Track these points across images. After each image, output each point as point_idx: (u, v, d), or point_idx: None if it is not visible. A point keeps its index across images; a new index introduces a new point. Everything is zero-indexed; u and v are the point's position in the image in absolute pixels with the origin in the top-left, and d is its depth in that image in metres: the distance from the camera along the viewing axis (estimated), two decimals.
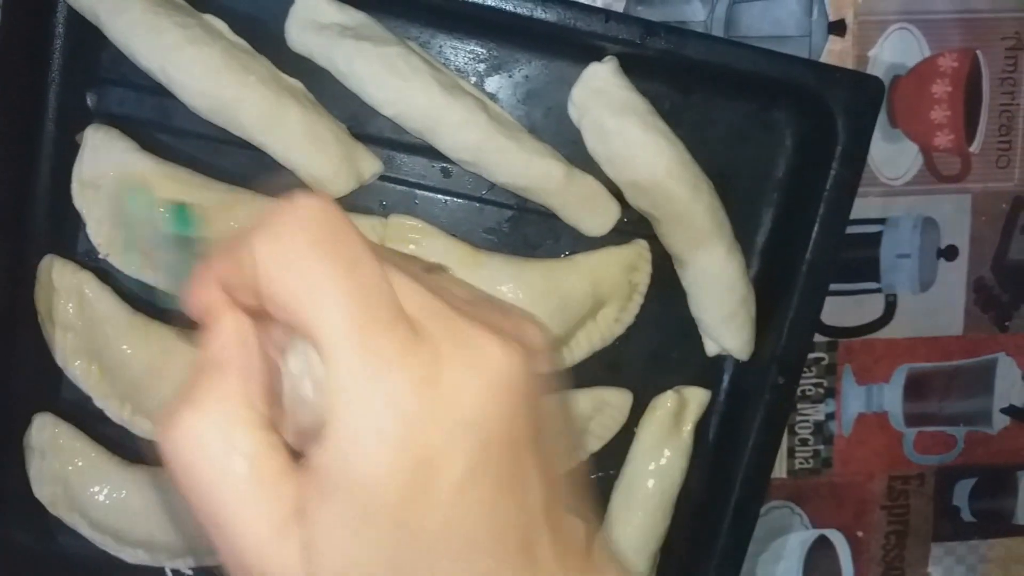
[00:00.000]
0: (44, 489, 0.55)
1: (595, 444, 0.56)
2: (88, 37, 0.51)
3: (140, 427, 0.54)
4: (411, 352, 0.22)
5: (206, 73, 0.49)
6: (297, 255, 0.23)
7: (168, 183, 0.51)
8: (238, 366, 0.24)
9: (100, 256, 0.53)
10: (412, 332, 0.22)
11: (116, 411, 0.54)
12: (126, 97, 0.52)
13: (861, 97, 0.50)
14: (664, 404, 0.55)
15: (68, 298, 0.53)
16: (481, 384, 0.22)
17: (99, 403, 0.54)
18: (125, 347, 0.53)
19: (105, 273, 0.53)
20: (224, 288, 0.25)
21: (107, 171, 0.51)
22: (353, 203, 0.53)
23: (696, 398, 0.56)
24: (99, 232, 0.53)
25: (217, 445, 0.23)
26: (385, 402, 0.22)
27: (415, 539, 0.22)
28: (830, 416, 0.61)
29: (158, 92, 0.51)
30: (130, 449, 0.55)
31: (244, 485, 0.23)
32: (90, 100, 0.53)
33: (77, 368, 0.54)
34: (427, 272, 0.27)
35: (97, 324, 0.53)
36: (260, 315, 0.25)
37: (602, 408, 0.56)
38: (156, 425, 0.24)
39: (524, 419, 0.23)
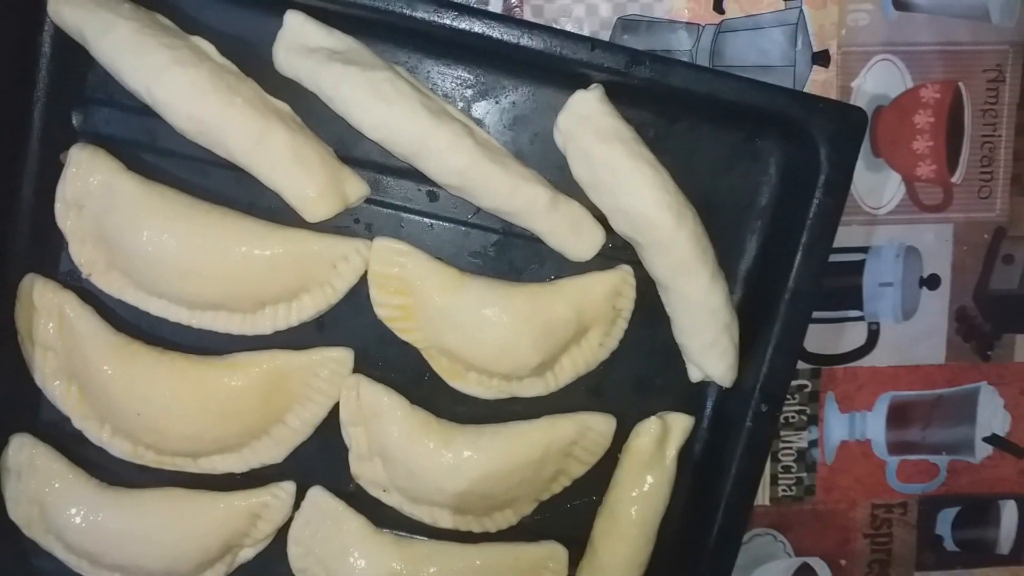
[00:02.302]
0: (20, 510, 0.54)
1: (578, 469, 0.56)
2: (75, 57, 0.51)
3: (119, 449, 0.54)
4: None
5: (192, 95, 0.48)
6: None
7: (153, 204, 0.51)
8: None
9: (82, 276, 0.53)
10: None
11: (95, 433, 0.54)
12: (112, 117, 0.52)
13: (844, 127, 0.50)
14: (648, 430, 0.55)
15: (49, 318, 0.53)
16: None
17: (78, 424, 0.54)
18: (106, 368, 0.52)
19: (87, 293, 0.53)
20: None
21: (91, 191, 0.51)
22: (339, 225, 0.53)
23: (679, 424, 0.56)
24: (81, 252, 0.52)
25: None
26: None
27: None
28: (813, 443, 0.61)
29: (144, 112, 0.50)
30: (108, 471, 0.54)
31: None
32: (76, 120, 0.52)
33: (56, 389, 0.54)
34: None
35: (78, 344, 0.52)
36: None
37: (585, 433, 0.55)
38: None
39: None
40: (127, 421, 0.53)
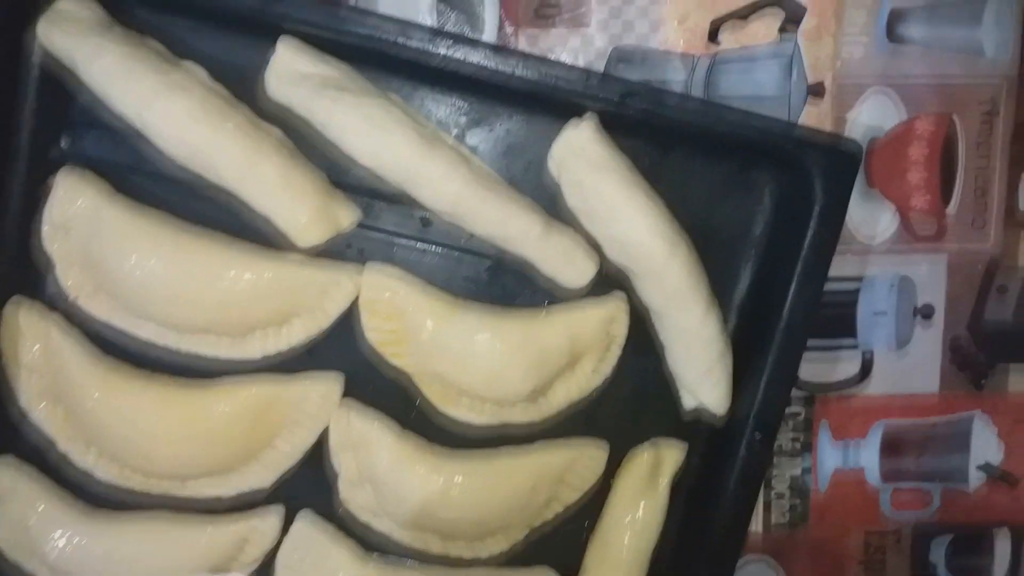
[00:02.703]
0: (3, 533, 0.54)
1: (571, 496, 0.56)
2: (64, 80, 0.50)
3: (105, 472, 0.53)
4: None
5: (183, 120, 0.48)
6: None
7: (142, 227, 0.51)
8: None
9: (69, 299, 0.52)
10: None
11: (80, 456, 0.53)
12: (101, 140, 0.52)
13: (839, 160, 0.50)
14: (641, 457, 0.55)
15: (34, 340, 0.52)
16: None
17: (63, 447, 0.53)
18: (92, 391, 0.52)
19: (73, 316, 0.52)
20: None
21: (78, 214, 0.50)
22: (330, 251, 0.53)
23: (673, 452, 0.55)
24: (68, 275, 0.52)
25: None
26: None
27: None
28: (806, 471, 0.61)
29: (134, 135, 0.50)
30: (94, 495, 0.54)
31: None
32: (64, 142, 0.52)
33: (41, 412, 0.53)
34: None
35: (63, 367, 0.52)
36: None
37: (578, 460, 0.55)
38: None
39: None
40: (113, 444, 0.53)
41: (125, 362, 0.53)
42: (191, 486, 0.54)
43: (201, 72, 0.50)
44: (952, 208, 0.59)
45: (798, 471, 0.60)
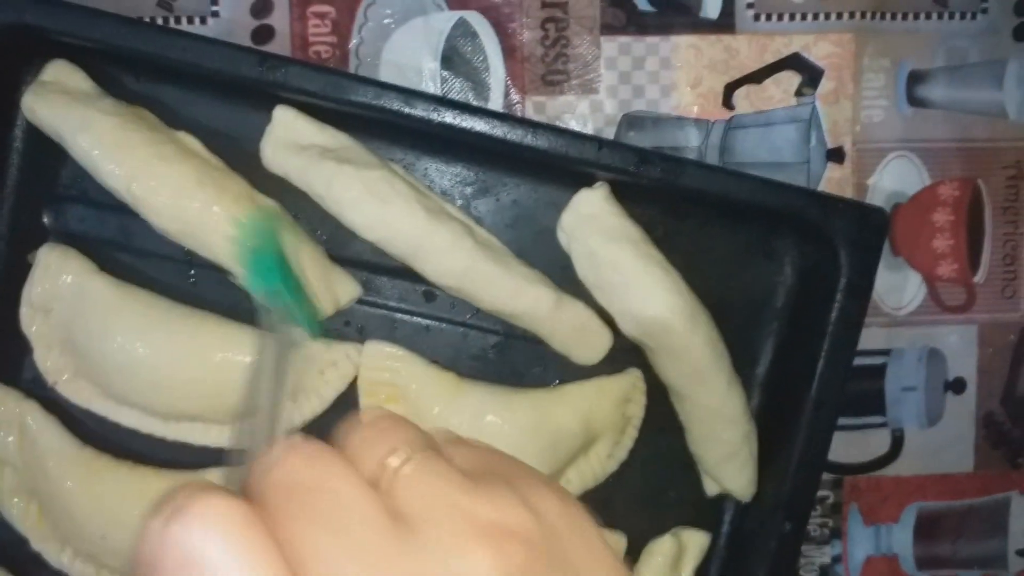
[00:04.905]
0: None
1: None
2: (48, 152, 0.48)
3: (80, 572, 0.49)
4: None
5: (176, 193, 0.46)
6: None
7: (128, 307, 0.48)
8: None
9: (48, 385, 0.49)
10: None
11: (55, 556, 0.49)
12: (86, 215, 0.49)
13: (865, 229, 0.48)
14: (661, 549, 0.51)
15: (9, 430, 0.49)
16: None
17: (36, 546, 0.49)
18: (69, 484, 0.48)
19: (52, 403, 0.49)
20: None
21: (60, 294, 0.48)
22: (328, 328, 0.50)
23: (695, 542, 0.52)
24: (48, 359, 0.49)
25: None
26: None
27: None
28: (836, 559, 0.57)
29: (121, 210, 0.47)
30: None
31: None
32: (47, 218, 0.49)
33: (14, 507, 0.49)
34: (433, 445, 0.25)
35: (39, 459, 0.48)
36: None
37: None
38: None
39: None
40: (90, 544, 0.49)
41: (106, 452, 0.49)
42: None
43: (196, 143, 0.48)
44: (980, 276, 0.56)
45: (827, 559, 0.57)
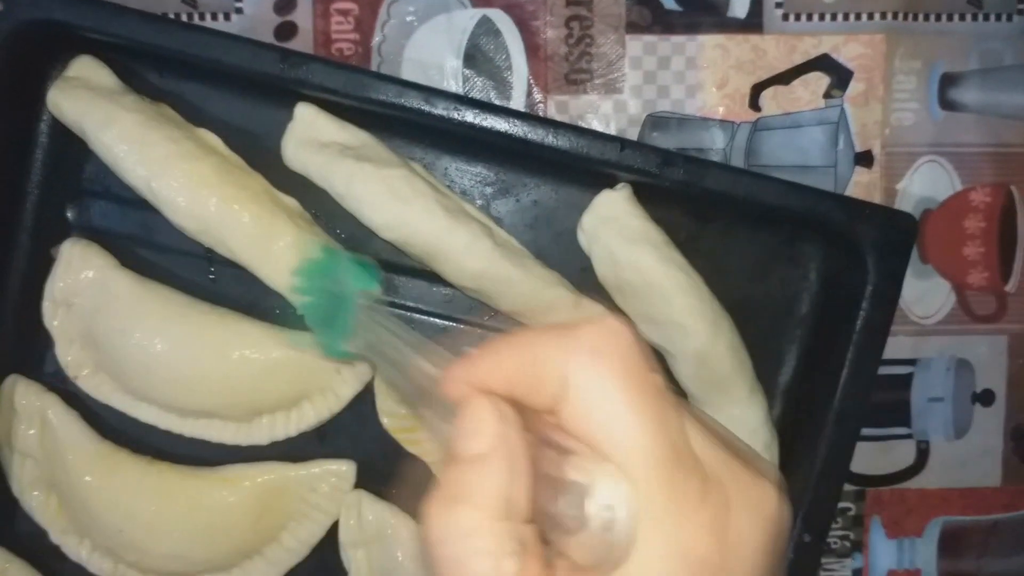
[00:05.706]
0: None
1: None
2: (71, 148, 0.48)
3: (98, 566, 0.50)
4: (707, 496, 0.24)
5: (196, 191, 0.46)
6: (614, 387, 0.24)
7: (148, 303, 0.48)
8: (505, 462, 0.24)
9: (69, 378, 0.49)
10: (706, 476, 0.24)
11: (74, 548, 0.50)
12: (108, 211, 0.50)
13: (893, 235, 0.47)
14: None
15: (30, 422, 0.49)
16: (760, 532, 0.25)
17: (55, 538, 0.50)
18: (88, 478, 0.48)
19: (73, 396, 0.49)
20: (491, 386, 0.25)
21: (82, 288, 0.48)
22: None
23: None
24: (68, 353, 0.49)
25: (490, 544, 0.23)
26: (687, 544, 0.24)
27: None
28: (857, 573, 0.56)
29: (142, 206, 0.48)
30: None
31: None
32: (70, 213, 0.50)
33: (34, 499, 0.50)
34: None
35: (59, 452, 0.49)
36: (523, 411, 0.25)
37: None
38: (423, 516, 0.24)
39: (780, 556, 0.26)
40: (108, 537, 0.49)
41: (124, 447, 0.49)
42: None
43: (216, 140, 0.48)
44: (1012, 285, 0.55)
45: (848, 572, 0.56)
